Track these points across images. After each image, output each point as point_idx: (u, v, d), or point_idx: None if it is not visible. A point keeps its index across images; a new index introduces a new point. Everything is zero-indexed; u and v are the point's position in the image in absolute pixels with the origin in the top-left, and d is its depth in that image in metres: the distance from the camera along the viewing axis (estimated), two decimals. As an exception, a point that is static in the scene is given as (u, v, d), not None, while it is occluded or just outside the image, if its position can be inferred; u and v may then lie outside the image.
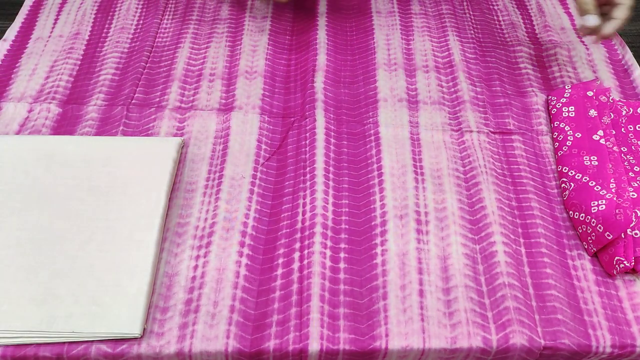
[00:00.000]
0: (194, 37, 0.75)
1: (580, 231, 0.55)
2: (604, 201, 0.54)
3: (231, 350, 0.46)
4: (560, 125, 0.64)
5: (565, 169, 0.60)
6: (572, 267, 0.54)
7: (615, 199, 0.54)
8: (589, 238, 0.54)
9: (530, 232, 0.56)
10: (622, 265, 0.51)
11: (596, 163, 0.58)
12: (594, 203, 0.54)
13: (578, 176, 0.58)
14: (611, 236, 0.52)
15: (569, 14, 0.82)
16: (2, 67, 0.70)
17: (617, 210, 0.52)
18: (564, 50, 0.75)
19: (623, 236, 0.52)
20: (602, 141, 0.59)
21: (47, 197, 0.54)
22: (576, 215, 0.56)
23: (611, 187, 0.55)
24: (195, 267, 0.51)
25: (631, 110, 0.65)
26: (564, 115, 0.64)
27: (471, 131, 0.65)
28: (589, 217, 0.54)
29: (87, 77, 0.69)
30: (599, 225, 0.53)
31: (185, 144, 0.61)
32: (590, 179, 0.57)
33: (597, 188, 0.55)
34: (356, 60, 0.73)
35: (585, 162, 0.58)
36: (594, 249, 0.54)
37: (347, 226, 0.55)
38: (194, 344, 0.46)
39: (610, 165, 0.57)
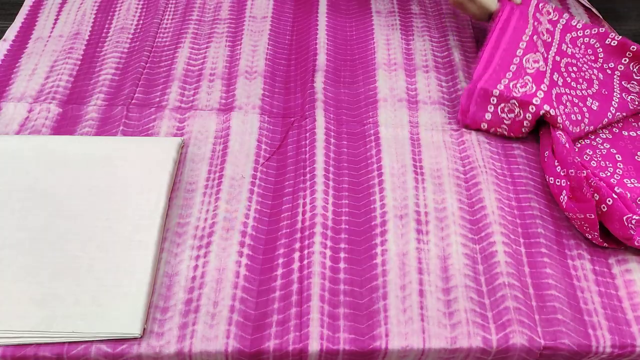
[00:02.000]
0: (194, 37, 0.75)
1: (577, 225, 0.55)
2: (563, 181, 0.56)
3: (231, 350, 0.46)
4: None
5: (547, 178, 0.60)
6: (572, 267, 0.54)
7: (563, 174, 0.56)
8: (585, 227, 0.54)
9: (530, 232, 0.56)
10: (634, 220, 0.51)
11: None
12: (555, 182, 0.56)
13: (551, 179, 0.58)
14: (596, 198, 0.53)
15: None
16: (2, 67, 0.70)
17: (571, 172, 0.54)
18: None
19: (614, 198, 0.52)
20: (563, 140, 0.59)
21: (47, 197, 0.54)
22: (570, 214, 0.56)
23: (545, 154, 0.59)
24: (195, 267, 0.51)
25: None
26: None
27: (471, 131, 0.65)
28: (571, 214, 0.54)
29: (87, 77, 0.69)
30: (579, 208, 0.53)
31: (185, 144, 0.61)
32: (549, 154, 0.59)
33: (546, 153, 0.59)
34: (356, 60, 0.73)
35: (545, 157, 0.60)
36: (596, 233, 0.53)
37: (347, 226, 0.55)
38: (194, 344, 0.46)
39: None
